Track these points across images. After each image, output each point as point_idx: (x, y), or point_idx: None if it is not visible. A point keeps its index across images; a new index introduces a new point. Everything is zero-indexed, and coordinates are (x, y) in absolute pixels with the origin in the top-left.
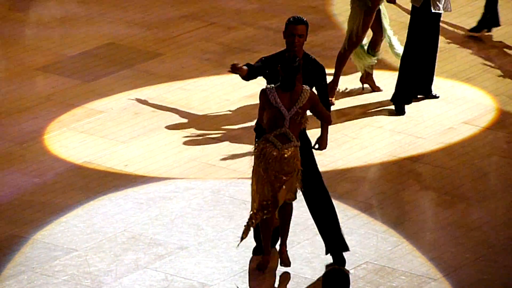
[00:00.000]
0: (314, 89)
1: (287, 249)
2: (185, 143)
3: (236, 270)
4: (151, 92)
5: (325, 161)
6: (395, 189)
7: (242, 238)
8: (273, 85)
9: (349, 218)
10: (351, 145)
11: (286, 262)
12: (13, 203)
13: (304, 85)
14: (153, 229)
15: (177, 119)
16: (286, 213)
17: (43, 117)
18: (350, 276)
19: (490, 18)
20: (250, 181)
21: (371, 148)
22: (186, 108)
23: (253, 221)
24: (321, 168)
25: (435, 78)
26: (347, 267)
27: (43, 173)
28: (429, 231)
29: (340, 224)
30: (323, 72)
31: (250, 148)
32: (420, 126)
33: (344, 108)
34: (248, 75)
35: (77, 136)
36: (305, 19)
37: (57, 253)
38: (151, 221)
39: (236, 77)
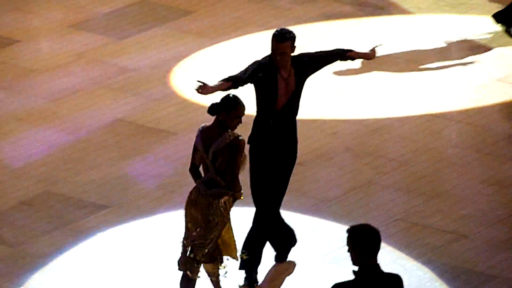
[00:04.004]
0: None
1: None
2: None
3: None
4: (183, 50)
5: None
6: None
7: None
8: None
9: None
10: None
11: None
12: (46, 159)
13: (231, 131)
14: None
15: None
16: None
17: (76, 75)
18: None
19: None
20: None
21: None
22: (219, 68)
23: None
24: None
25: None
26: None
27: (76, 130)
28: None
29: None
30: (305, 55)
31: None
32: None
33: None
34: (234, 85)
35: (109, 93)
36: (290, 34)
37: (89, 209)
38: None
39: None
